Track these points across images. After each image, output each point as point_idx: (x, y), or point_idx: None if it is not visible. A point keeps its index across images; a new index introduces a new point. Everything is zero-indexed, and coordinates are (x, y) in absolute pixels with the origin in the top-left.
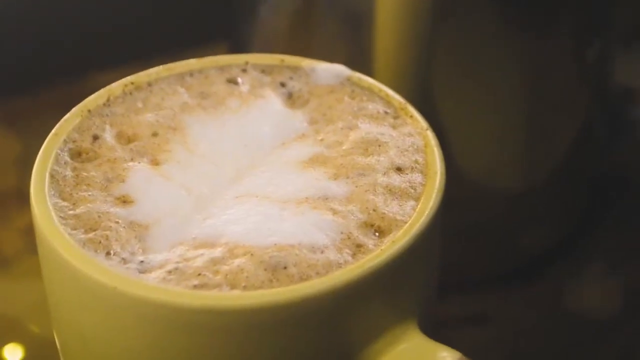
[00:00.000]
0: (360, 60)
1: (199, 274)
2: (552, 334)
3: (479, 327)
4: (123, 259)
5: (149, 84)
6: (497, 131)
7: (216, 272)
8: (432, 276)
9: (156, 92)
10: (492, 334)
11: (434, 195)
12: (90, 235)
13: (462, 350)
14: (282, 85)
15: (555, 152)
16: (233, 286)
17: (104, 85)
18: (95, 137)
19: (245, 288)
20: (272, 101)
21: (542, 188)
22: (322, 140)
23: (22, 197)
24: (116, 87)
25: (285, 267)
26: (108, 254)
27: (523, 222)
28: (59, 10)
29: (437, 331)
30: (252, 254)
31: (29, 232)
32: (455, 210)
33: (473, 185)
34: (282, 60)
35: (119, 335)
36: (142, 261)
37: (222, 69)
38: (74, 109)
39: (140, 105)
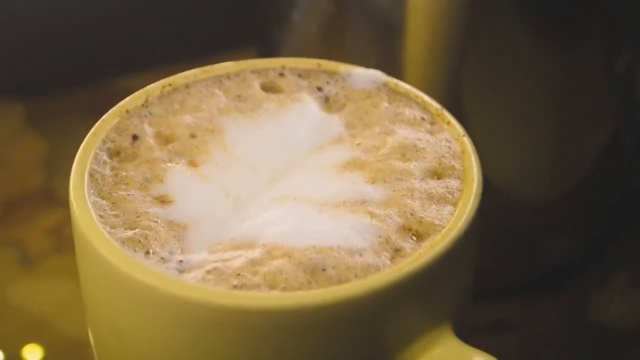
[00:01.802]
0: (391, 67)
1: (238, 275)
2: (576, 344)
3: (502, 335)
4: (162, 258)
5: (187, 86)
6: (525, 140)
7: (255, 273)
8: (468, 281)
9: (194, 94)
10: (516, 342)
11: (471, 201)
12: (130, 234)
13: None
14: (319, 89)
15: (583, 162)
16: (272, 287)
17: (132, 89)
18: (134, 137)
19: (284, 289)
20: (309, 105)
21: (569, 197)
22: (359, 144)
23: (48, 198)
24: (154, 88)
25: (324, 269)
26: (147, 253)
27: (549, 231)
28: (89, 11)
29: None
30: (290, 256)
31: (55, 232)
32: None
33: (500, 193)
34: (319, 65)
35: (157, 334)
36: (181, 261)
37: (258, 72)
38: (112, 110)
39: (177, 106)
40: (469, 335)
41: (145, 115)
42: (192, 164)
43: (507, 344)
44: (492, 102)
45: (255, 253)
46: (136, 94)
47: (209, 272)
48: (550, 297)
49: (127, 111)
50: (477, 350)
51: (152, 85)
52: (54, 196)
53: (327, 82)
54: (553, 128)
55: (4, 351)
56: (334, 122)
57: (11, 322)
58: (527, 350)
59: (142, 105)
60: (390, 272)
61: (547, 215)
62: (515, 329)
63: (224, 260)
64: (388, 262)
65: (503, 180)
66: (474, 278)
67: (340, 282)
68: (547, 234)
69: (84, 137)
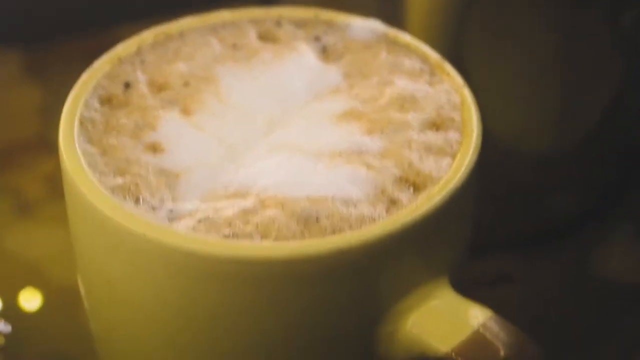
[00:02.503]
0: (393, 19)
1: (230, 224)
2: (577, 298)
3: (503, 289)
4: (152, 206)
5: (181, 34)
6: (529, 95)
7: (247, 222)
8: (466, 234)
9: (188, 42)
10: (516, 296)
11: (470, 153)
12: (119, 181)
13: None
14: (317, 39)
15: (587, 117)
16: (264, 237)
17: (128, 37)
18: (126, 85)
19: (276, 239)
20: (306, 55)
21: (573, 153)
22: (356, 95)
23: (44, 145)
24: (147, 35)
25: (317, 220)
26: (137, 200)
27: (552, 186)
28: None
29: (460, 290)
30: (283, 206)
31: (51, 179)
32: (484, 171)
33: (503, 147)
34: (317, 15)
35: (147, 283)
36: (171, 210)
37: (255, 21)
38: (103, 56)
39: (171, 55)
40: (469, 289)
41: (138, 63)
42: (186, 112)
43: (508, 299)
44: (496, 54)
45: (248, 202)
46: (129, 41)
47: (200, 221)
48: (552, 252)
49: (119, 58)
50: (474, 303)
51: (146, 32)
52: (50, 143)
53: (325, 32)
54: (558, 82)
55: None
56: (332, 72)
57: (6, 268)
58: (528, 304)
59: (135, 52)
60: (385, 223)
61: (551, 169)
62: (516, 284)
63: (216, 210)
64: (384, 213)
65: (506, 134)
66: (471, 232)
67: (333, 232)
68: (550, 188)
69: None
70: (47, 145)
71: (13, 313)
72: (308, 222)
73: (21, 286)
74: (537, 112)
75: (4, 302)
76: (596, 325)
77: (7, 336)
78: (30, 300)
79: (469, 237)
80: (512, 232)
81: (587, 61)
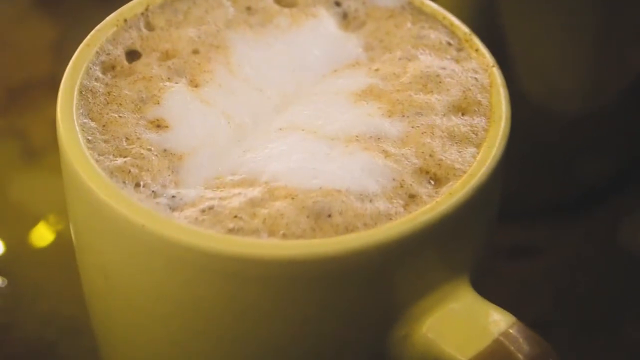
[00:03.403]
0: None
1: (235, 216)
2: (605, 270)
3: (528, 260)
4: (153, 191)
5: None
6: (562, 53)
7: (254, 215)
8: (489, 230)
9: (199, 3)
10: (541, 267)
11: (497, 143)
12: (119, 162)
13: (509, 282)
14: (337, 4)
15: (622, 78)
16: (271, 233)
17: None
18: (131, 51)
19: (284, 236)
20: (325, 22)
21: (605, 115)
22: (377, 70)
23: (54, 86)
24: None
25: (329, 215)
26: (137, 185)
27: (582, 150)
28: None
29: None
30: (294, 197)
31: None
32: (512, 132)
33: (533, 106)
34: None
35: (145, 275)
36: (174, 196)
37: None
38: (108, 18)
39: (181, 17)
40: (494, 259)
41: (145, 26)
42: (193, 83)
43: (533, 269)
44: (532, 9)
45: (256, 192)
46: (136, 1)
47: (203, 211)
48: (580, 222)
49: (125, 20)
50: (495, 307)
51: None
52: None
53: None
54: (593, 41)
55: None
56: (351, 43)
57: (10, 216)
58: (552, 276)
59: (142, 13)
60: (402, 221)
61: (582, 132)
62: (542, 254)
63: (221, 199)
64: (401, 209)
65: (536, 93)
66: (494, 227)
67: (346, 230)
68: (579, 154)
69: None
70: (57, 86)
71: (11, 266)
72: (319, 217)
73: (22, 237)
74: (571, 70)
75: (6, 250)
76: (622, 298)
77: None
78: (29, 253)
79: (492, 233)
80: (537, 200)
81: (623, 18)
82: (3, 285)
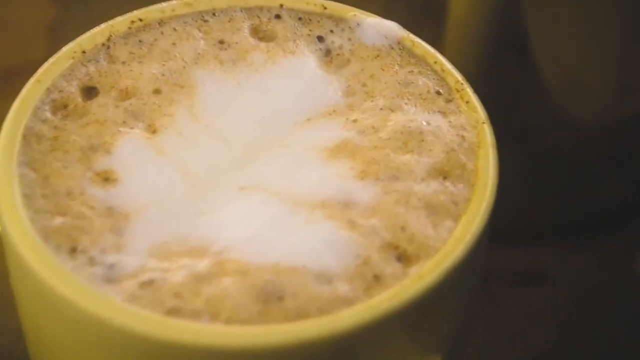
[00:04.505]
0: None
1: (176, 293)
2: (616, 300)
3: (534, 287)
4: (91, 258)
5: (160, 23)
6: (589, 54)
7: (197, 294)
8: (464, 311)
9: (167, 35)
10: (548, 294)
11: (478, 218)
12: (57, 222)
13: (512, 311)
14: (320, 39)
15: None
16: (214, 315)
17: None
18: (87, 88)
19: (228, 320)
20: (305, 59)
21: (628, 130)
22: (355, 121)
23: None
24: (121, 22)
25: (280, 298)
26: (73, 250)
27: (601, 167)
28: None
29: (485, 287)
30: (244, 274)
31: None
32: (526, 139)
33: (550, 113)
34: (324, 8)
35: (80, 353)
36: (112, 264)
37: (250, 10)
38: (64, 49)
39: (145, 50)
40: (491, 284)
41: (105, 60)
42: (151, 129)
43: (537, 297)
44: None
45: (203, 264)
46: (98, 29)
47: (142, 285)
48: (593, 247)
49: (84, 52)
50: None
51: (119, 19)
52: None
53: (331, 31)
54: (620, 46)
55: None
56: (331, 86)
57: None
58: (562, 305)
59: (103, 44)
60: (361, 309)
61: (601, 147)
62: (551, 281)
63: (164, 271)
64: (362, 294)
65: (556, 99)
66: (474, 304)
67: (298, 316)
68: (597, 172)
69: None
70: None
71: None
72: (269, 300)
73: None
74: (592, 76)
75: None
76: (636, 331)
77: None
78: None
79: (469, 310)
80: (549, 222)
81: None
82: None
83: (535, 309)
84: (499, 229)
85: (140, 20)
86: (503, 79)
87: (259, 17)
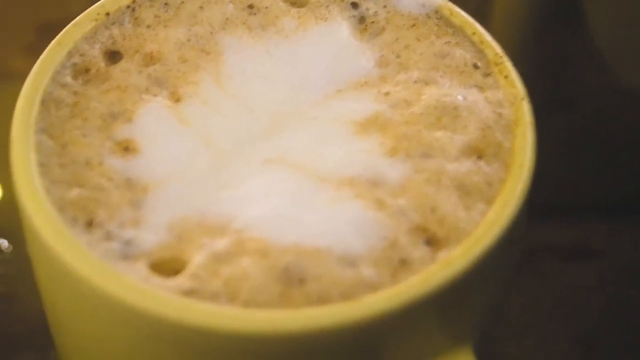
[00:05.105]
0: None
1: (193, 274)
2: None
3: (580, 263)
4: (107, 232)
5: None
6: None
7: (215, 274)
8: (497, 297)
9: None
10: (594, 271)
11: (513, 201)
12: (73, 194)
13: (559, 287)
14: (354, 6)
15: None
16: (232, 297)
17: None
18: (110, 52)
19: (246, 303)
20: (338, 27)
21: None
22: (387, 94)
23: None
24: None
25: (302, 281)
26: (90, 224)
27: None
28: None
29: (529, 262)
30: (264, 254)
31: None
32: (575, 108)
33: (603, 78)
34: None
35: (94, 329)
36: (129, 240)
37: None
38: (87, 10)
39: (172, 13)
40: (535, 259)
41: (129, 22)
42: (174, 97)
43: (583, 273)
44: None
45: (223, 243)
46: None
47: (159, 264)
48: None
49: (107, 14)
50: None
51: None
52: None
53: None
54: None
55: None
56: (364, 56)
57: None
58: (609, 281)
59: (128, 6)
60: (386, 296)
61: None
62: (598, 256)
63: (182, 249)
64: (388, 278)
65: (606, 63)
66: (505, 289)
67: (319, 300)
68: None
69: None
70: None
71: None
72: (290, 282)
73: None
74: None
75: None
76: None
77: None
78: None
79: (502, 296)
80: (597, 196)
81: None
82: (8, 251)
83: (579, 284)
84: (546, 202)
85: None
86: (552, 44)
87: None
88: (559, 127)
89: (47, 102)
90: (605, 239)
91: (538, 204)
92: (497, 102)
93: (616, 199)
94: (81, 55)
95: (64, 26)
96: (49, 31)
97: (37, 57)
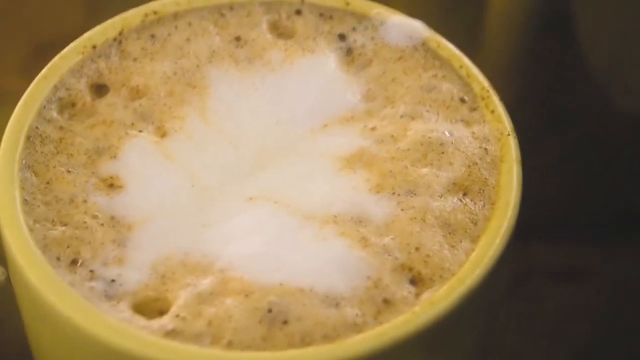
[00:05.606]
0: None
1: (177, 315)
2: None
3: (574, 285)
4: (91, 271)
5: (175, 16)
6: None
7: (199, 315)
8: (483, 333)
9: (181, 29)
10: (589, 293)
11: (497, 240)
12: (57, 232)
13: (551, 310)
14: (342, 37)
15: None
16: (216, 338)
17: None
18: (95, 86)
19: (229, 344)
20: (325, 59)
21: None
22: (373, 129)
23: None
24: (134, 15)
25: (285, 322)
26: (74, 263)
27: None
28: None
29: (521, 284)
30: (248, 295)
31: None
32: (568, 128)
33: (596, 97)
34: (347, 4)
35: None
36: (113, 280)
37: (270, 5)
38: (73, 43)
39: (158, 45)
40: (530, 281)
41: (116, 56)
42: (160, 132)
43: (578, 295)
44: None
45: (207, 282)
46: (110, 22)
47: (142, 304)
48: (635, 244)
49: (94, 46)
50: None
51: (132, 11)
52: None
53: (354, 29)
54: None
55: None
56: (351, 89)
57: None
58: (604, 303)
59: (115, 39)
60: (369, 336)
61: None
62: (592, 278)
63: (166, 289)
64: (371, 319)
65: (599, 81)
66: (493, 331)
67: (302, 342)
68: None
69: None
70: None
71: None
72: (273, 324)
73: None
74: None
75: None
76: None
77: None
78: None
79: (489, 336)
80: (591, 217)
81: None
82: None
83: (573, 307)
84: (538, 224)
85: (155, 13)
86: (545, 62)
87: (278, 12)
88: (551, 147)
89: (33, 138)
90: (598, 260)
91: (530, 225)
92: (483, 138)
93: (610, 219)
94: (67, 89)
95: (60, 45)
96: (44, 51)
97: (32, 77)
